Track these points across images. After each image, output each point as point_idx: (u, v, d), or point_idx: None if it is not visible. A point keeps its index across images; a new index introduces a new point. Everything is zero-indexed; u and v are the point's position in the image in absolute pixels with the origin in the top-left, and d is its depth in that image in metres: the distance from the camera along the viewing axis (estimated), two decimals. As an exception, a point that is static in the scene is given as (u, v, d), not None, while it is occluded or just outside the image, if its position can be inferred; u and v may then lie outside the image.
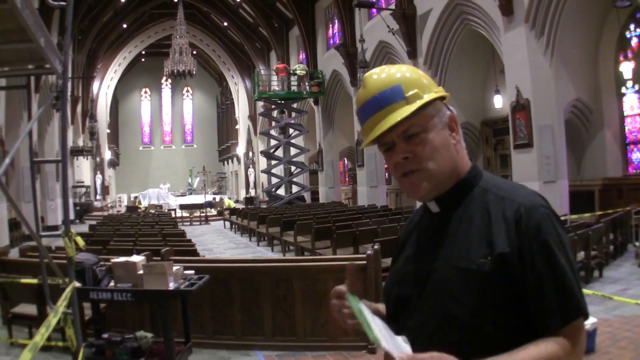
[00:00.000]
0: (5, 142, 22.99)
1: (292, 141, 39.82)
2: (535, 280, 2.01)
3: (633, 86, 20.14)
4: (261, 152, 44.04)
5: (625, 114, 20.56)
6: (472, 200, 2.24)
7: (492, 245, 2.07)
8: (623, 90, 20.45)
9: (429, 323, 2.15)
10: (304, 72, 38.60)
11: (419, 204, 2.51)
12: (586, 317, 2.05)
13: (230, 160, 71.94)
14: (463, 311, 2.05)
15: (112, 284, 7.39)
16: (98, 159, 52.27)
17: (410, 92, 2.20)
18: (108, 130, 57.15)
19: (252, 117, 56.78)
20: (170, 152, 78.45)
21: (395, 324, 2.29)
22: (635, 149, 20.43)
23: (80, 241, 6.39)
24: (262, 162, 49.00)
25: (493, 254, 2.05)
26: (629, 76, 19.62)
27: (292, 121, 40.27)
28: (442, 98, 2.30)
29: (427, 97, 2.21)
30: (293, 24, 43.74)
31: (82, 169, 46.93)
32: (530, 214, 2.08)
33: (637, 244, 14.76)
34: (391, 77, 2.25)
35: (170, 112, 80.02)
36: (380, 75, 2.29)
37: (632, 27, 20.08)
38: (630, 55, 20.03)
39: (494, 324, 2.03)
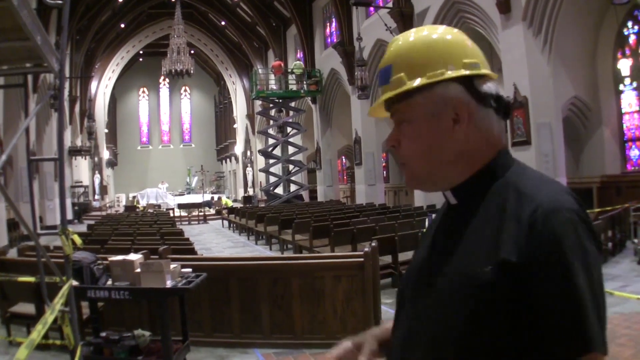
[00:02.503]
0: (3, 142, 22.99)
1: (290, 140, 39.83)
2: (542, 301, 1.62)
3: (631, 83, 20.17)
4: (259, 151, 44.03)
5: (623, 111, 20.57)
6: (492, 194, 1.87)
7: (498, 250, 1.70)
8: (621, 87, 20.47)
9: (419, 338, 1.87)
10: (301, 70, 38.80)
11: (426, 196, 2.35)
12: (603, 353, 1.62)
13: (228, 160, 72.15)
14: (458, 323, 1.74)
15: (109, 282, 7.39)
16: (96, 159, 52.30)
17: (395, 76, 1.97)
18: (106, 130, 57.22)
19: (250, 116, 56.81)
20: (168, 151, 78.51)
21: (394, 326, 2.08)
22: (633, 146, 20.44)
23: (78, 239, 6.39)
24: (260, 161, 49.01)
25: (497, 260, 1.69)
26: (626, 73, 19.71)
27: (290, 120, 40.21)
28: (465, 80, 1.91)
29: (408, 85, 1.92)
30: (291, 22, 43.84)
31: (81, 169, 46.95)
32: (548, 219, 1.66)
33: (635, 240, 14.76)
34: (391, 54, 2.04)
35: (168, 112, 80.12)
36: (392, 47, 2.06)
37: (630, 24, 20.10)
38: (628, 52, 20.08)
39: (488, 351, 1.70)
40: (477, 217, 1.86)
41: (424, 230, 2.34)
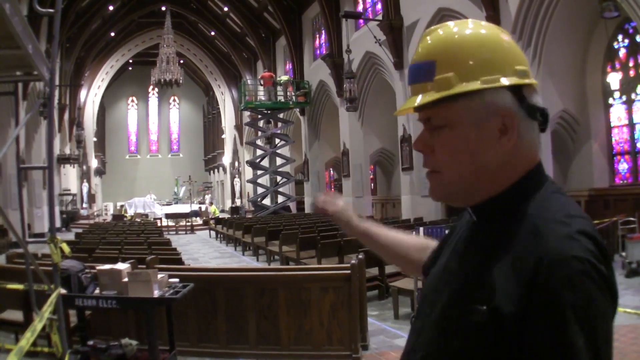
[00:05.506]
0: (-8, 149, 22.93)
1: (278, 151, 39.89)
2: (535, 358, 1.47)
3: (620, 97, 20.26)
4: (247, 162, 43.91)
5: (612, 124, 20.64)
6: (511, 221, 1.67)
7: (494, 292, 1.55)
8: (610, 101, 20.53)
9: (416, 354, 1.77)
10: (287, 78, 39.29)
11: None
12: None
13: (216, 170, 72.17)
14: (444, 357, 1.65)
15: (97, 291, 7.39)
16: (85, 167, 52.10)
17: (441, 75, 1.70)
18: (95, 139, 57.06)
19: (239, 127, 56.75)
20: (156, 161, 78.51)
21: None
22: (622, 160, 20.52)
23: (66, 248, 6.41)
24: (248, 172, 48.83)
25: (490, 304, 1.54)
26: (616, 87, 19.73)
27: (278, 131, 40.26)
28: (515, 88, 1.70)
29: (458, 88, 1.68)
30: (280, 34, 43.93)
31: (69, 177, 46.76)
32: (553, 272, 1.47)
33: (623, 254, 14.81)
34: (433, 48, 1.76)
35: (156, 121, 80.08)
36: (431, 39, 1.78)
37: (620, 37, 20.17)
38: (617, 66, 20.14)
39: None
40: (489, 246, 1.68)
41: (446, 235, 1.95)
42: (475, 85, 1.67)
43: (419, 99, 1.73)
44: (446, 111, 1.71)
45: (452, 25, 1.80)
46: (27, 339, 4.83)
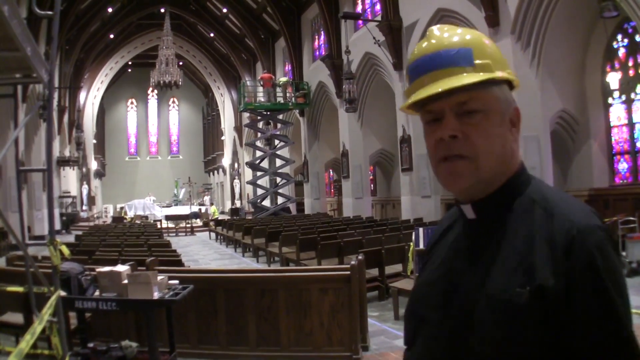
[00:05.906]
0: (-8, 152, 22.89)
1: (278, 152, 39.86)
2: (583, 326, 1.58)
3: (620, 97, 20.17)
4: (247, 164, 43.91)
5: (611, 124, 20.56)
6: (516, 211, 1.79)
7: (533, 273, 1.64)
8: (610, 100, 20.45)
9: (443, 356, 1.79)
10: (286, 79, 39.36)
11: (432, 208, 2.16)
12: None
13: (216, 172, 72.10)
14: (485, 349, 1.66)
15: (97, 293, 7.39)
16: (84, 170, 52.03)
17: (481, 61, 1.80)
18: (94, 141, 56.97)
19: (238, 129, 56.77)
20: (156, 163, 78.48)
21: (410, 349, 1.98)
22: (622, 160, 20.47)
23: (65, 250, 6.40)
24: (248, 173, 48.83)
25: (532, 284, 1.62)
26: (615, 87, 19.66)
27: (278, 132, 40.36)
28: (511, 85, 1.91)
29: (499, 74, 1.81)
30: (279, 35, 43.83)
31: (69, 180, 46.73)
32: (584, 240, 1.61)
33: (623, 253, 14.81)
34: (463, 37, 1.84)
35: (156, 123, 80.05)
36: (450, 32, 1.87)
37: (619, 37, 20.08)
38: (617, 65, 20.06)
39: None
40: (503, 237, 1.77)
41: (429, 243, 1.97)
42: (505, 75, 1.84)
43: (466, 79, 1.76)
44: (483, 95, 1.79)
45: (455, 28, 1.91)
46: (27, 342, 4.83)
